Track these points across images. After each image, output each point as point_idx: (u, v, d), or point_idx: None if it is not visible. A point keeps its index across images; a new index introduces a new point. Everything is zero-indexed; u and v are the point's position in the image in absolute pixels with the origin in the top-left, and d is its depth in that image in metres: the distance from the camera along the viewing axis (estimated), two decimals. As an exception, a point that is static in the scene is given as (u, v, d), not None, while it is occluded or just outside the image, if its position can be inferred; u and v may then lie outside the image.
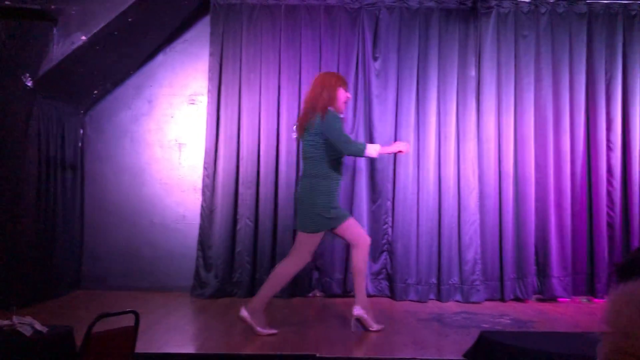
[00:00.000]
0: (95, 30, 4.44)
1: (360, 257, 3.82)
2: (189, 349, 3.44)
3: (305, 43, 5.16)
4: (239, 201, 5.06)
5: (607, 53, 5.20)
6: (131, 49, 5.10)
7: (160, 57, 5.38)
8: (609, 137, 5.16)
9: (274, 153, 5.07)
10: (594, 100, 5.18)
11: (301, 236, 3.76)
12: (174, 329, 3.85)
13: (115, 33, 4.64)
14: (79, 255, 5.21)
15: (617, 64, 5.18)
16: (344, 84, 3.89)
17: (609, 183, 5.15)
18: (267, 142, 5.07)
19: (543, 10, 5.20)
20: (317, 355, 3.10)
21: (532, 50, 5.18)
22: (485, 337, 2.91)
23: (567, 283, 5.07)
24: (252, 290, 4.96)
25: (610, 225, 5.12)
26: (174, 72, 5.37)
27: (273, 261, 4.99)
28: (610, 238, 5.11)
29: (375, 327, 3.79)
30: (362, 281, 3.86)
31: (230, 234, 5.04)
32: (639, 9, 5.20)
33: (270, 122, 5.09)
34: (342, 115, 3.86)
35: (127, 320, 2.34)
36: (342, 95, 3.84)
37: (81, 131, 5.28)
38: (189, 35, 5.37)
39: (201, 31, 5.31)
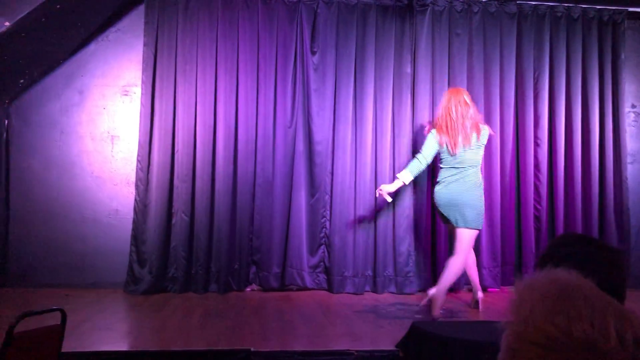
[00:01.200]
0: (20, 16, 4.22)
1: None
2: (120, 346, 3.35)
3: (243, 35, 5.11)
4: (174, 195, 4.96)
5: (536, 52, 5.42)
6: (60, 36, 4.89)
7: (92, 46, 5.18)
8: (536, 134, 5.38)
9: (211, 146, 5.00)
10: (523, 97, 5.39)
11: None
12: (104, 327, 3.74)
13: (43, 20, 4.44)
14: (4, 252, 4.97)
15: (545, 63, 5.41)
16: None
17: (536, 177, 5.37)
18: (204, 135, 4.99)
19: (476, 9, 5.35)
20: (252, 349, 3.09)
21: (465, 48, 5.33)
22: (417, 328, 2.99)
23: (496, 274, 5.27)
24: (187, 285, 4.90)
25: (537, 218, 5.35)
26: (106, 62, 5.20)
27: (209, 255, 4.93)
28: (537, 230, 5.34)
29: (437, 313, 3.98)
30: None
31: (165, 229, 4.94)
32: (564, 10, 5.44)
33: (206, 115, 5.01)
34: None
35: (55, 319, 2.25)
36: None
37: (6, 122, 5.03)
38: (123, 24, 5.20)
39: (135, 20, 5.16)
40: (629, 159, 5.56)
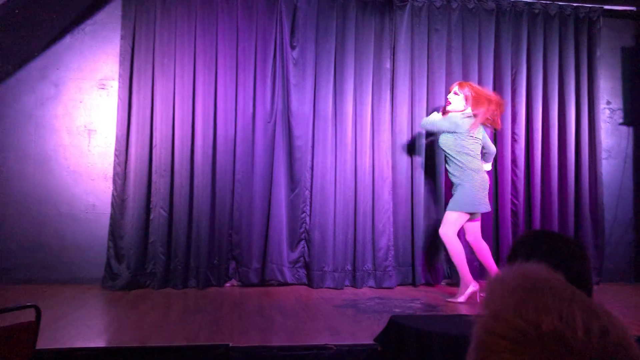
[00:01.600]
0: (-7, 8, 4.15)
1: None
2: (97, 342, 3.32)
3: (222, 29, 5.07)
4: (152, 190, 4.92)
5: (513, 49, 5.47)
6: (35, 29, 4.81)
7: (68, 39, 5.10)
8: (513, 129, 5.44)
9: (189, 141, 4.97)
10: (501, 93, 5.41)
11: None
12: (81, 323, 3.69)
13: (16, 11, 4.36)
14: (-22, 248, 4.89)
15: (522, 59, 5.46)
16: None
17: (514, 173, 5.44)
18: (182, 129, 4.95)
19: (454, 5, 5.39)
20: (231, 344, 3.08)
21: (444, 44, 5.36)
22: (395, 322, 3.00)
23: (473, 268, 5.31)
24: (166, 281, 4.87)
25: (514, 213, 5.42)
26: (82, 55, 5.12)
27: (188, 251, 4.90)
28: (514, 224, 5.41)
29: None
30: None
31: (143, 224, 4.89)
32: (542, 7, 5.50)
33: (185, 109, 4.97)
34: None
35: (31, 316, 2.22)
36: None
37: (-21, 115, 4.94)
38: (99, 17, 5.13)
39: (112, 13, 5.09)
40: (604, 155, 5.65)
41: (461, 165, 4.43)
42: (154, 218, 4.91)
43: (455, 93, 4.55)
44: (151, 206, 4.92)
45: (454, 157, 4.47)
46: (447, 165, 4.60)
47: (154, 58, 4.98)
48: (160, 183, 4.92)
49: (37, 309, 2.27)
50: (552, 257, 1.37)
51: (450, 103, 4.57)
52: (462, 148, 4.43)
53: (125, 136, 4.94)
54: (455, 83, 4.70)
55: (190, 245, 4.91)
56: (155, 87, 4.97)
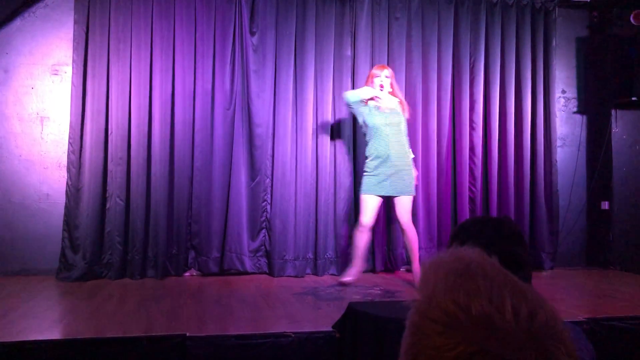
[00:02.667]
0: None
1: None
2: (50, 334, 3.24)
3: (180, 13, 4.97)
4: (108, 179, 4.81)
5: (472, 38, 5.52)
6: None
7: (17, 22, 4.92)
8: (471, 117, 5.51)
9: (146, 128, 4.87)
10: (460, 82, 5.50)
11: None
12: (34, 315, 3.60)
13: (-38, -8, 4.17)
14: None
15: (481, 48, 5.52)
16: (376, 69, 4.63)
17: (471, 160, 5.51)
18: (139, 117, 4.85)
19: (414, -7, 5.40)
20: (188, 334, 3.05)
21: (404, 32, 5.37)
22: (353, 308, 3.03)
23: (432, 253, 5.39)
24: (123, 271, 4.78)
25: (472, 200, 5.50)
26: (34, 39, 4.95)
27: (146, 240, 4.83)
28: (472, 211, 5.49)
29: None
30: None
31: (99, 214, 4.79)
32: (500, -3, 5.56)
33: (141, 96, 4.86)
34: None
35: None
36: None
37: None
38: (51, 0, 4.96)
39: (65, -5, 4.93)
40: (558, 143, 5.78)
41: (407, 147, 4.58)
42: (110, 207, 4.80)
43: (387, 77, 4.57)
44: (107, 195, 4.82)
45: (404, 140, 4.58)
46: (392, 149, 4.50)
47: (109, 43, 4.85)
48: (116, 171, 4.81)
49: (-17, 301, 2.20)
50: (486, 239, 1.40)
51: (383, 87, 4.55)
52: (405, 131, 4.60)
53: (79, 124, 4.81)
54: (384, 66, 4.71)
55: (148, 235, 4.83)
56: (110, 73, 4.85)
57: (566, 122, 5.93)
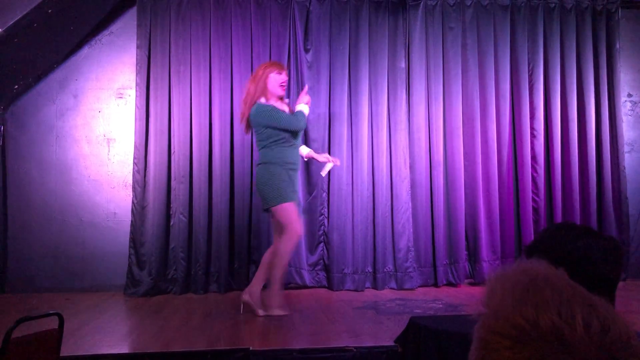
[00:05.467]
0: (11, 22, 4.22)
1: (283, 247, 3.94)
2: (119, 349, 3.35)
3: (236, 35, 5.10)
4: (172, 196, 4.97)
5: (529, 44, 5.40)
6: (53, 41, 4.90)
7: (85, 50, 5.19)
8: (532, 125, 5.37)
9: (207, 147, 5.01)
10: (518, 90, 5.37)
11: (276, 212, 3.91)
12: (104, 330, 3.74)
13: (35, 25, 4.44)
14: (3, 257, 4.98)
15: (539, 54, 5.39)
16: (277, 67, 4.03)
17: (534, 169, 5.37)
18: (200, 136, 4.99)
19: (468, 3, 5.34)
20: (251, 348, 3.09)
21: (458, 42, 5.32)
22: (415, 322, 2.98)
23: (496, 266, 5.26)
24: (187, 286, 4.91)
25: (535, 210, 5.35)
26: (100, 65, 5.20)
27: (209, 256, 4.94)
28: (535, 222, 5.33)
29: (260, 312, 3.95)
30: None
31: (164, 230, 4.95)
32: (557, 2, 5.43)
33: (202, 115, 5.01)
34: (280, 100, 4.05)
35: (54, 324, 2.25)
36: (274, 80, 3.94)
37: (2, 128, 5.04)
38: (115, 27, 5.20)
39: (128, 23, 5.16)
40: (626, 148, 5.55)
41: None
42: (174, 224, 4.95)
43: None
44: (171, 212, 4.97)
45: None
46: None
47: (170, 66, 5.03)
48: (179, 189, 4.96)
49: (59, 316, 2.30)
50: (584, 253, 1.30)
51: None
52: None
53: (143, 144, 5.00)
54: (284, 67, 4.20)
55: (211, 250, 4.95)
56: (172, 95, 5.03)
57: (633, 127, 5.69)
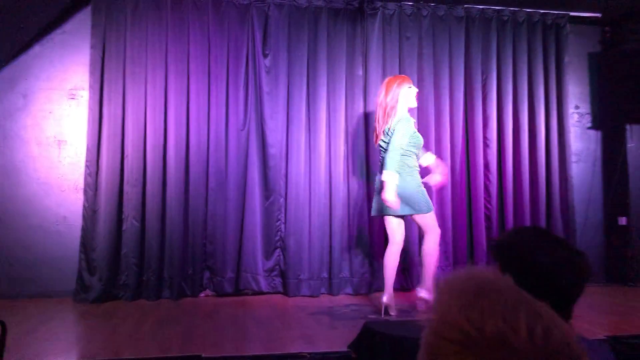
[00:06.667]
0: (-43, 18, 4.07)
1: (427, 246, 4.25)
2: (67, 357, 3.26)
3: (194, 37, 5.05)
4: (124, 201, 4.86)
5: (483, 55, 5.54)
6: (2, 39, 4.73)
7: (36, 49, 5.03)
8: (485, 134, 5.50)
9: (161, 150, 4.92)
10: (472, 99, 5.50)
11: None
12: (50, 337, 3.62)
13: (-18, 21, 4.28)
14: (-56, 263, 4.77)
15: (492, 65, 5.53)
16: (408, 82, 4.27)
17: (486, 177, 5.49)
18: (154, 139, 4.91)
19: (425, 12, 5.44)
20: (203, 355, 3.05)
21: (415, 51, 5.40)
22: (368, 328, 3.01)
23: (449, 272, 5.35)
24: (139, 292, 4.80)
25: (487, 217, 5.47)
26: (52, 64, 5.05)
27: (161, 262, 4.85)
28: (488, 228, 5.45)
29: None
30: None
31: (116, 235, 4.83)
32: (510, 14, 5.59)
33: (157, 118, 4.93)
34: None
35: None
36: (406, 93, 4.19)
37: (-55, 127, 4.84)
38: (69, 26, 5.07)
39: (81, 22, 5.03)
40: (573, 158, 5.74)
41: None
42: (126, 229, 4.85)
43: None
44: (123, 217, 4.86)
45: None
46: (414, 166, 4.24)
47: (125, 67, 4.93)
48: (132, 193, 4.86)
49: (2, 324, 2.22)
50: (550, 262, 1.29)
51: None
52: None
53: (96, 146, 4.88)
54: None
55: (164, 256, 4.86)
56: (126, 97, 4.93)
57: (580, 138, 5.89)
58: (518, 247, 1.33)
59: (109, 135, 4.87)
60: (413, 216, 4.19)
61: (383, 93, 4.21)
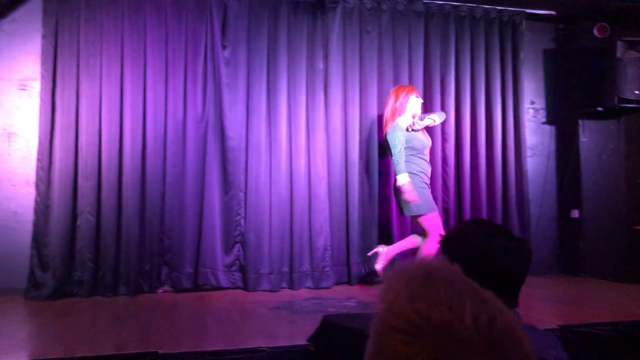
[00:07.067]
0: None
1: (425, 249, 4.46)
2: (16, 356, 3.15)
3: (151, 28, 4.94)
4: (79, 195, 4.73)
5: (442, 50, 5.61)
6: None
7: (-16, 38, 4.84)
8: (443, 129, 5.56)
9: (117, 143, 4.80)
10: (431, 94, 5.56)
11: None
12: (0, 335, 3.50)
13: None
14: None
15: (451, 60, 5.60)
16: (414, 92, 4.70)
17: (444, 171, 5.57)
18: (109, 132, 4.78)
19: (385, 7, 5.46)
20: (160, 352, 3.00)
21: (375, 45, 5.42)
22: (328, 321, 3.01)
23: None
24: (94, 289, 4.69)
25: (445, 210, 5.55)
26: (0, 54, 4.86)
27: (118, 257, 4.75)
28: (445, 221, 5.50)
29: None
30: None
31: (70, 230, 4.69)
32: (468, 10, 5.66)
33: (112, 110, 4.81)
34: (414, 121, 4.59)
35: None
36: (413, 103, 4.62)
37: None
38: (18, 14, 4.88)
39: (32, 10, 4.85)
40: (528, 153, 5.88)
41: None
42: (80, 224, 4.72)
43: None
44: (77, 212, 4.73)
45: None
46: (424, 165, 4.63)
47: (79, 57, 4.79)
48: (86, 187, 4.73)
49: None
50: (494, 250, 1.36)
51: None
52: None
53: (48, 139, 4.73)
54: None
55: (120, 251, 4.76)
56: (80, 88, 4.79)
57: (535, 133, 6.04)
58: (461, 238, 1.41)
59: (62, 127, 4.73)
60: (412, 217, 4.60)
61: (392, 99, 4.65)
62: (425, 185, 4.58)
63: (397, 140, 4.45)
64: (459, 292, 0.63)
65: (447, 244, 1.45)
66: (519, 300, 1.37)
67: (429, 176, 4.66)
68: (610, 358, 3.45)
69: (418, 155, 4.57)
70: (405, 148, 4.47)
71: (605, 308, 4.21)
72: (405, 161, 4.46)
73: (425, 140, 4.68)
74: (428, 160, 4.68)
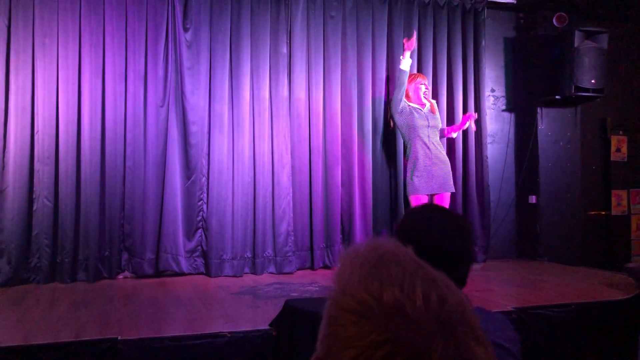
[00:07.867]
0: None
1: None
2: (-30, 344, 3.06)
3: (110, 8, 4.81)
4: (35, 180, 4.60)
5: (406, 37, 5.62)
6: None
7: None
8: (406, 115, 5.60)
9: (75, 126, 4.69)
10: (394, 80, 5.57)
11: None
12: (-47, 324, 3.40)
13: None
14: None
15: (414, 47, 5.62)
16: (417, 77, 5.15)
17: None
18: (67, 114, 4.66)
19: (348, -8, 5.45)
20: (119, 338, 2.96)
21: (339, 30, 5.41)
22: (289, 306, 3.03)
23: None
24: (52, 275, 4.60)
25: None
26: (-50, 32, 4.66)
27: (76, 243, 4.66)
28: (407, 206, 5.59)
29: None
30: None
31: (26, 216, 4.58)
32: (431, -2, 5.70)
33: (69, 92, 4.68)
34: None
35: None
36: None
37: None
38: (-31, -10, 4.69)
39: (-16, -13, 4.67)
40: (488, 140, 5.98)
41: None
42: (37, 209, 4.60)
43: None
44: (34, 196, 4.61)
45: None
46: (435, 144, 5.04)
47: (34, 38, 4.64)
48: (43, 171, 4.61)
49: None
50: (440, 230, 1.44)
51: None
52: None
53: (2, 122, 4.58)
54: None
55: (79, 237, 4.66)
56: (36, 69, 4.64)
57: (495, 120, 6.14)
58: (408, 221, 1.52)
59: (17, 109, 4.58)
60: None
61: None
62: (426, 167, 4.95)
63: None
64: (410, 272, 0.64)
65: (398, 228, 1.52)
66: (466, 281, 1.45)
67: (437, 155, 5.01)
68: (563, 338, 3.57)
69: (421, 136, 4.98)
70: (409, 128, 4.99)
71: (559, 290, 4.34)
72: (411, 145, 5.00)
73: (431, 120, 5.06)
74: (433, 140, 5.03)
